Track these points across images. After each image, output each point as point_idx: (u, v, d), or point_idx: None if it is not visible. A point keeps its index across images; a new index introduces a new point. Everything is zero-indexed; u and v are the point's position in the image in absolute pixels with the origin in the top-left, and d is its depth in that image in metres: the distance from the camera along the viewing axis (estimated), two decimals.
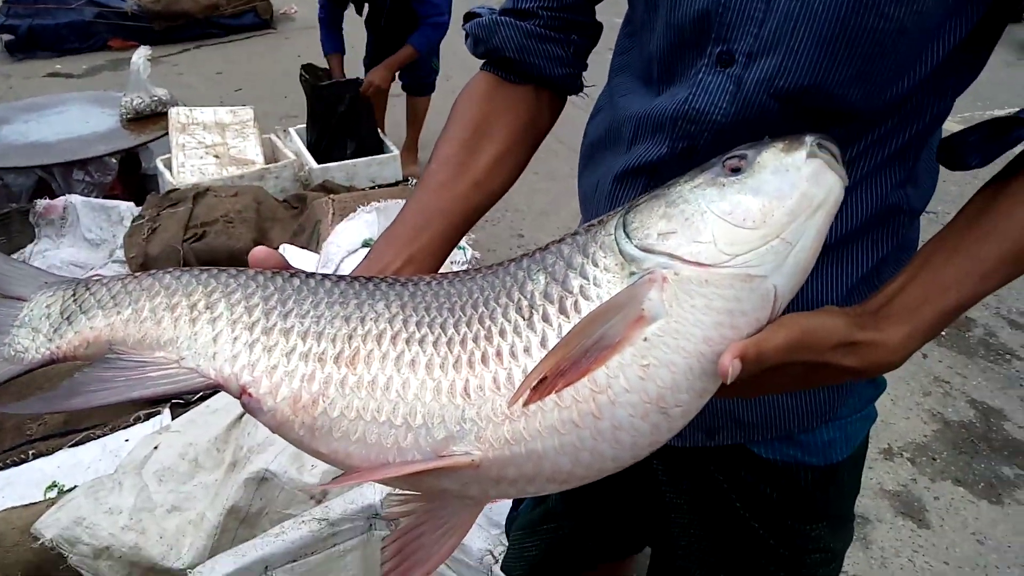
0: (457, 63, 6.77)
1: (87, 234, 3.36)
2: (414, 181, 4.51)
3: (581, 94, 1.03)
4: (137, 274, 0.74)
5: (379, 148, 4.41)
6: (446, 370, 0.64)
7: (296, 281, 0.71)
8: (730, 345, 0.60)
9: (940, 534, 2.42)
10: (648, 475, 1.12)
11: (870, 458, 2.66)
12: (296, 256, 2.53)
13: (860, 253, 0.87)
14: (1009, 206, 0.72)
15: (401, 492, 0.71)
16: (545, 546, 1.29)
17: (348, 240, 2.44)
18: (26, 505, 1.79)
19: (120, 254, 3.04)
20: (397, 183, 4.14)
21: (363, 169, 4.12)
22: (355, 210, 2.59)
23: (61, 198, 3.42)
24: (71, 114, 4.37)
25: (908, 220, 0.89)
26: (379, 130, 4.55)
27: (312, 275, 0.72)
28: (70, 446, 2.01)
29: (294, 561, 1.53)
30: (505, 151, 0.96)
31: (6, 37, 7.41)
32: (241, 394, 0.67)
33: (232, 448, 1.87)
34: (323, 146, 4.29)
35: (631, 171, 0.90)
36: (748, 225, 0.61)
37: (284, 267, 0.74)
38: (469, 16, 1.01)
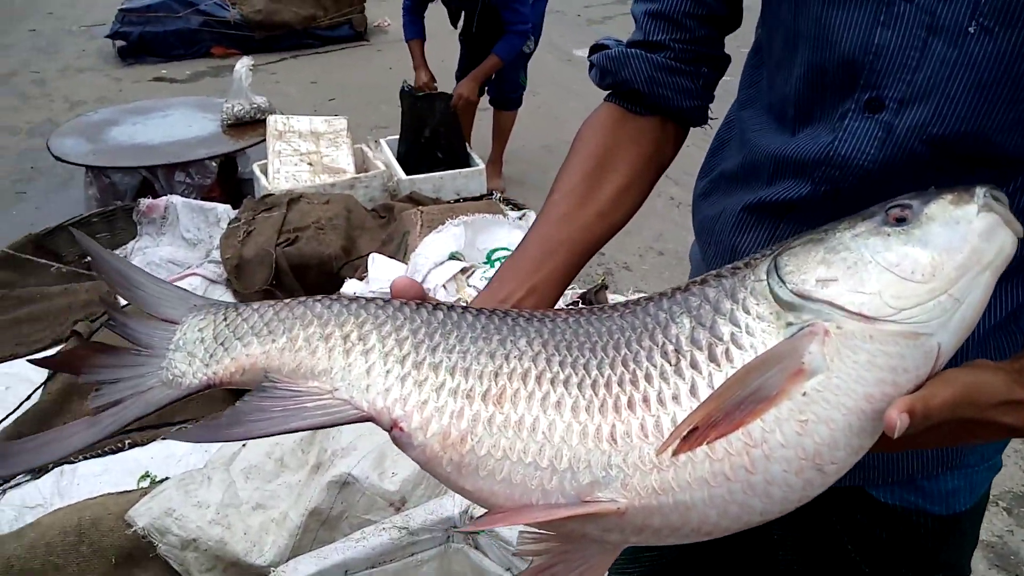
0: (546, 79, 6.84)
1: (185, 234, 3.51)
2: (498, 195, 4.56)
3: (705, 126, 1.03)
4: (287, 301, 0.74)
5: (466, 162, 4.47)
6: (592, 414, 0.63)
7: (440, 314, 0.71)
8: (897, 400, 0.58)
9: None
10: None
11: None
12: (384, 265, 2.58)
13: (1001, 297, 0.84)
14: None
15: (536, 530, 0.69)
16: (647, 573, 1.27)
17: (436, 252, 2.48)
18: (120, 492, 1.87)
19: (216, 254, 3.16)
20: (481, 197, 4.19)
21: (449, 182, 4.18)
22: (443, 223, 2.63)
23: (163, 198, 3.58)
24: (175, 118, 4.59)
25: None
26: (466, 144, 4.62)
27: (453, 308, 0.72)
28: (163, 438, 2.09)
29: (373, 567, 1.56)
30: (628, 183, 0.95)
31: (119, 43, 7.82)
32: (392, 427, 0.67)
33: (316, 450, 1.92)
34: (412, 158, 4.38)
35: (765, 205, 0.89)
36: (916, 279, 0.60)
37: (423, 297, 0.75)
38: (596, 48, 1.01)
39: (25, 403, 2.23)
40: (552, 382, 0.65)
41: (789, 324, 0.61)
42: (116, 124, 4.49)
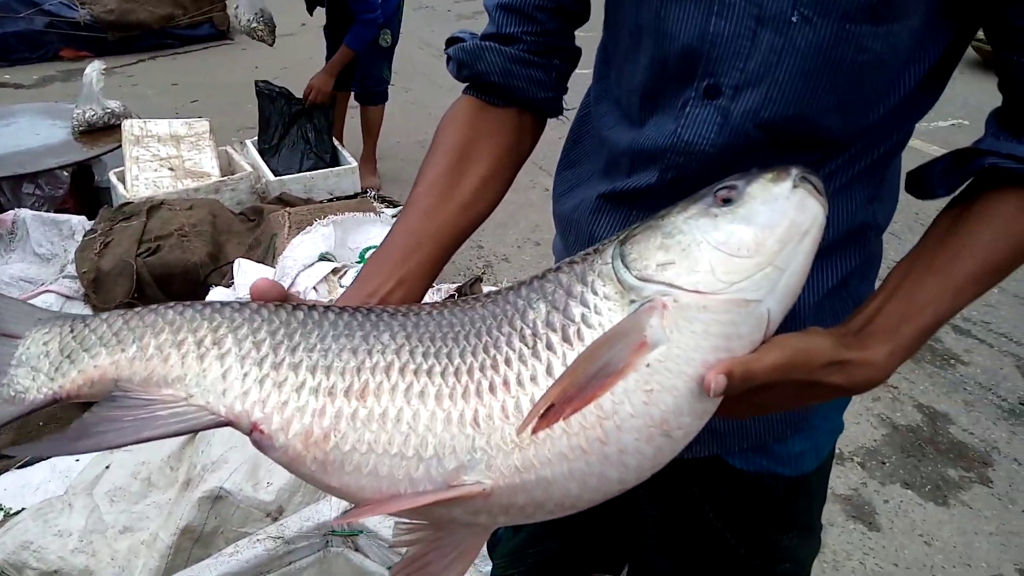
0: (418, 75, 6.79)
1: (38, 249, 3.30)
2: (373, 193, 4.51)
3: (561, 117, 1.06)
4: (137, 309, 0.72)
5: (336, 161, 4.40)
6: (455, 400, 0.65)
7: (300, 314, 0.71)
8: (717, 363, 0.63)
9: (889, 536, 2.47)
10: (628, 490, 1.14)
11: None
12: (252, 270, 2.51)
13: (830, 267, 0.90)
14: (974, 226, 0.77)
15: (407, 521, 0.71)
16: (532, 570, 1.29)
17: (304, 254, 2.44)
18: None
19: (72, 269, 2.99)
20: (355, 195, 4.13)
21: (321, 181, 4.10)
22: (312, 223, 2.58)
23: (10, 212, 3.35)
24: (20, 126, 4.29)
25: (875, 235, 0.94)
26: (337, 142, 4.54)
27: (315, 307, 0.72)
28: (17, 467, 1.97)
29: None
30: (490, 174, 0.98)
31: None
32: (252, 431, 0.67)
33: (186, 466, 1.86)
34: (279, 157, 4.27)
35: (619, 194, 0.94)
36: (743, 254, 0.64)
37: (285, 298, 0.74)
38: (452, 41, 1.02)
39: None
40: (416, 373, 0.66)
41: (632, 302, 0.65)
42: None
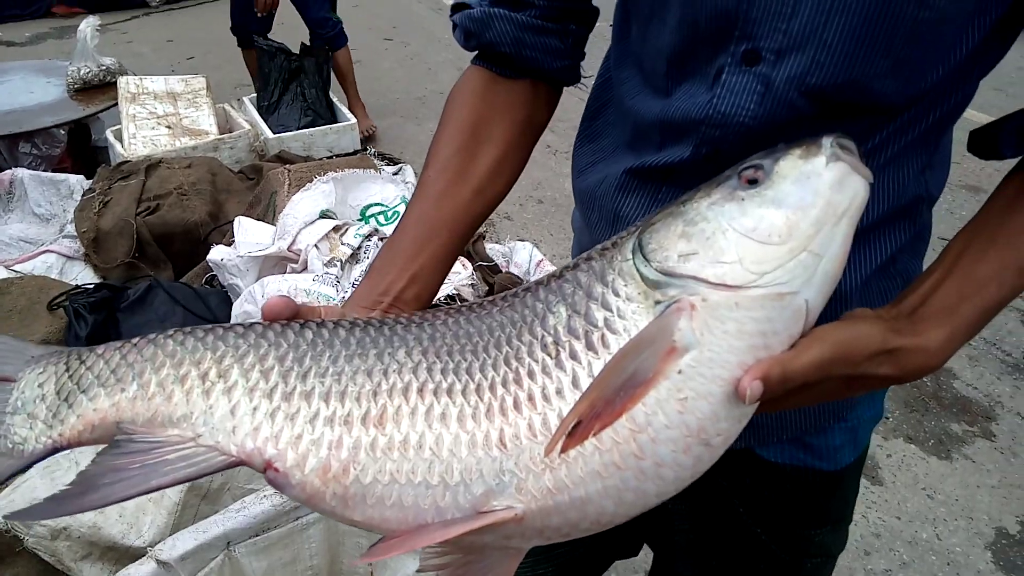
0: (417, 29, 6.68)
1: (36, 209, 3.27)
2: (372, 150, 4.46)
3: (579, 85, 0.98)
4: (134, 340, 0.68)
5: (335, 118, 4.35)
6: (479, 420, 0.61)
7: (309, 334, 0.67)
8: (752, 366, 0.58)
9: (892, 490, 2.49)
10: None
11: None
12: (252, 228, 2.49)
13: (878, 244, 0.83)
14: None
15: (436, 547, 0.66)
16: (560, 570, 1.24)
17: (305, 211, 2.41)
18: None
19: (71, 228, 2.97)
20: (355, 152, 4.09)
21: (320, 139, 4.06)
22: (312, 180, 2.55)
23: (8, 172, 3.31)
24: (14, 84, 4.22)
25: (926, 208, 0.86)
26: (331, 99, 4.49)
27: (323, 325, 0.68)
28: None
29: (256, 536, 1.53)
30: (504, 154, 0.92)
31: None
32: (266, 469, 0.62)
33: None
34: (278, 115, 4.22)
35: (648, 170, 0.86)
36: (774, 241, 0.59)
37: (298, 313, 0.71)
38: (457, 7, 0.94)
39: None
40: (435, 393, 0.62)
41: (657, 303, 0.60)
42: None
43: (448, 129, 0.92)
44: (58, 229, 3.13)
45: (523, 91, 0.93)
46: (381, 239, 2.37)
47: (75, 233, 2.94)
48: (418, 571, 1.44)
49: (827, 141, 0.61)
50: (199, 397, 0.64)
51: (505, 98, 0.93)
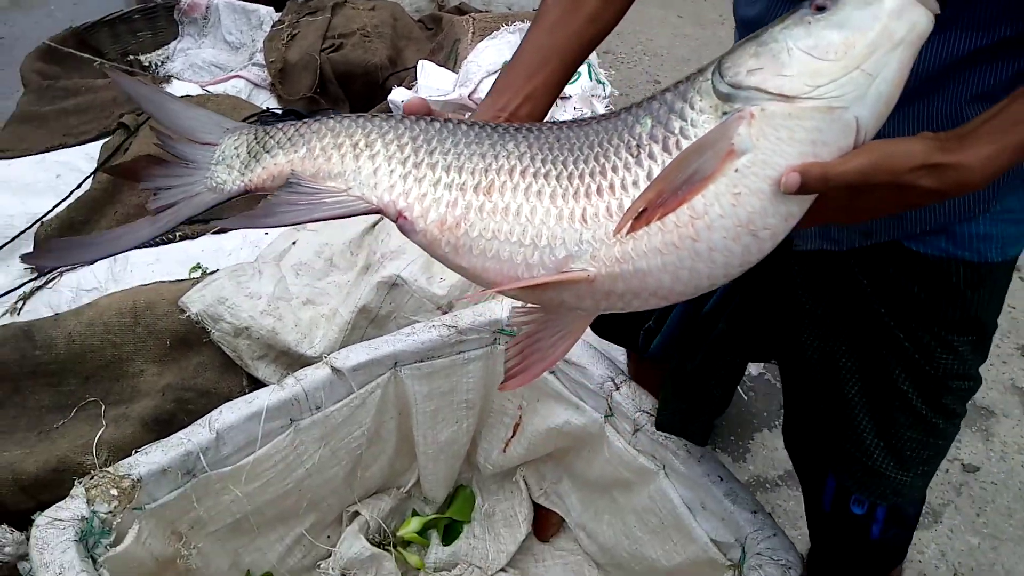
0: None
1: (227, 36, 3.38)
2: None
3: None
4: (306, 120, 0.86)
5: None
6: (567, 199, 0.74)
7: (437, 124, 0.82)
8: (796, 166, 0.65)
9: None
10: (785, 281, 1.10)
11: (1004, 353, 2.53)
12: (435, 73, 2.48)
13: (980, 71, 0.86)
14: None
15: (524, 305, 0.83)
16: (706, 354, 1.27)
17: (489, 60, 2.36)
18: (173, 281, 1.89)
19: (259, 58, 3.06)
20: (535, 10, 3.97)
21: None
22: (498, 29, 2.49)
23: None
24: None
25: None
26: None
27: (449, 120, 0.83)
28: (213, 232, 2.10)
29: (421, 361, 1.58)
30: None
31: None
32: (398, 217, 0.80)
33: (366, 252, 1.92)
34: None
35: None
36: (829, 58, 0.66)
37: (430, 114, 0.85)
38: None
39: (76, 191, 2.24)
40: (535, 175, 0.76)
41: (724, 113, 0.69)
42: None
43: None
44: (247, 57, 3.23)
45: None
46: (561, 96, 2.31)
47: (263, 62, 3.03)
48: (507, 325, 1.59)
49: None
50: (351, 160, 0.82)
51: None
